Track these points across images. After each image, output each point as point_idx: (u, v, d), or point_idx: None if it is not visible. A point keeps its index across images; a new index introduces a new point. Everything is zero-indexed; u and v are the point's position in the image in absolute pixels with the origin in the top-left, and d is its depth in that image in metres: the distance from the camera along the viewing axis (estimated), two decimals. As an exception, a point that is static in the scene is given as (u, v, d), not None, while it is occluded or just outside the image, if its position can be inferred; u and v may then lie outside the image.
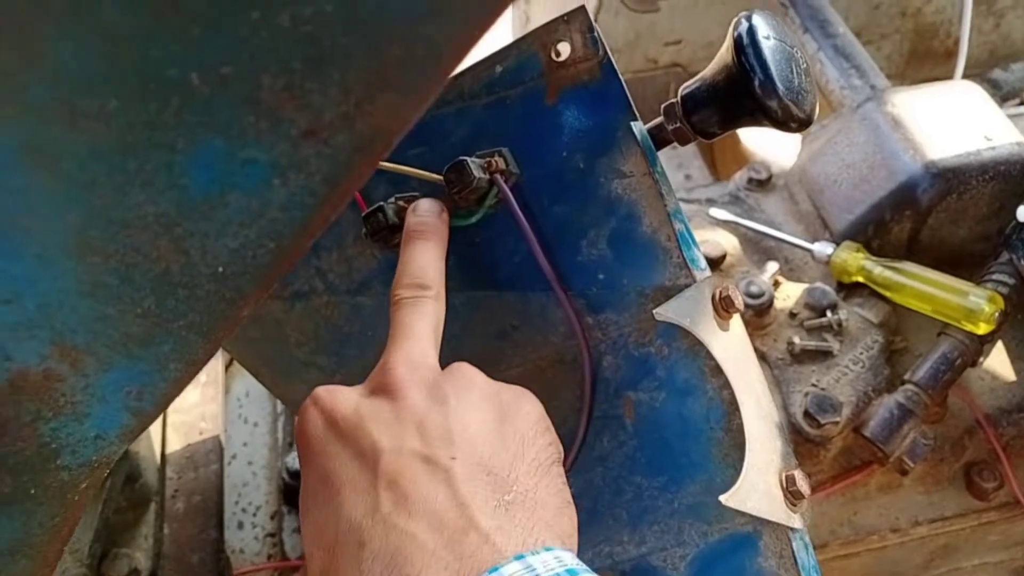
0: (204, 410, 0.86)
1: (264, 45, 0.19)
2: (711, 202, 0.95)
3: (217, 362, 0.92)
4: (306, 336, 0.74)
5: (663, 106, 0.55)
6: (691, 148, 1.39)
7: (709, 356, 0.52)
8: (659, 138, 0.56)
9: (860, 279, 0.81)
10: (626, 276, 0.56)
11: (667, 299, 0.53)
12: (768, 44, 0.50)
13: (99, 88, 0.19)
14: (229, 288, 0.24)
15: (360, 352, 0.72)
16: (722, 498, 0.46)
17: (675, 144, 0.56)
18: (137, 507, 0.78)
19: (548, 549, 0.33)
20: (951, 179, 0.79)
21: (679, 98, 0.54)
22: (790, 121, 0.50)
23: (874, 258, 0.80)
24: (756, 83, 0.49)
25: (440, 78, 0.21)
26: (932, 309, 0.77)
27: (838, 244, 0.83)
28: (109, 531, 0.75)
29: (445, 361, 0.62)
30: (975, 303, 0.73)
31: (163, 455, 0.83)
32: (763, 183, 0.95)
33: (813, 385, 0.75)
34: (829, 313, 0.78)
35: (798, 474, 0.48)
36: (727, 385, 0.51)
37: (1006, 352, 0.83)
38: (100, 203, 0.21)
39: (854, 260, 0.81)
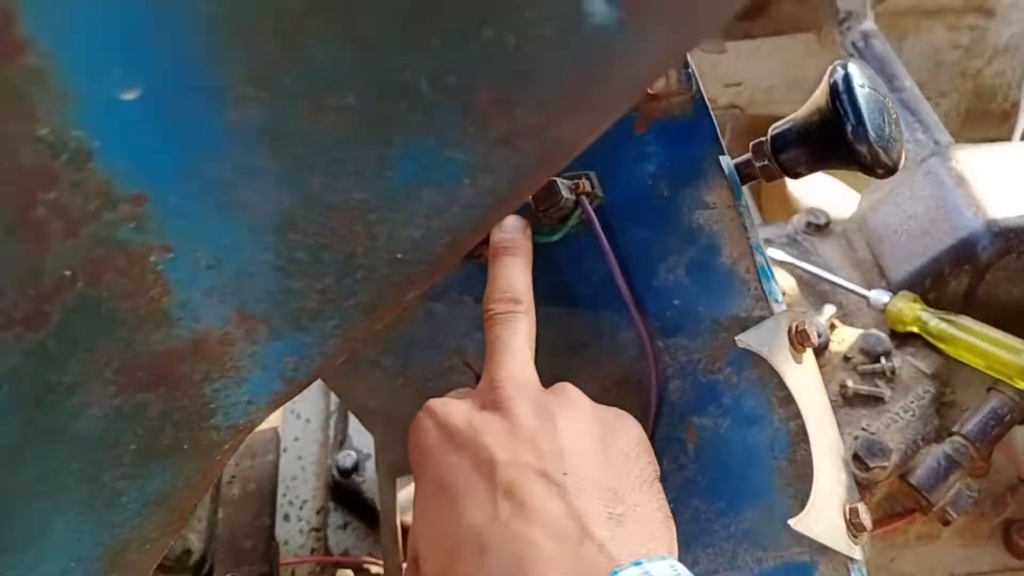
0: (262, 401, 0.89)
1: (488, 60, 0.21)
2: (768, 243, 0.97)
3: (277, 355, 0.95)
4: (375, 336, 0.76)
5: (752, 143, 0.57)
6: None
7: (779, 387, 0.54)
8: (744, 174, 0.58)
9: (915, 329, 0.83)
10: (702, 304, 0.58)
11: (741, 329, 0.55)
12: (863, 92, 0.52)
13: (343, 86, 0.21)
14: (401, 274, 0.27)
15: (426, 356, 0.74)
16: (791, 522, 0.47)
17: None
18: (193, 488, 0.81)
19: (663, 558, 0.35)
20: (1012, 238, 0.81)
21: (768, 137, 0.56)
22: (878, 167, 0.52)
23: (930, 310, 0.82)
24: (849, 128, 0.51)
25: (633, 98, 0.23)
26: (985, 364, 0.78)
27: (894, 293, 0.84)
28: (166, 509, 0.77)
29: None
30: (1029, 361, 0.74)
31: (221, 440, 0.85)
32: (821, 228, 0.97)
33: (863, 429, 0.76)
34: (883, 360, 0.80)
35: (861, 507, 0.49)
36: (794, 416, 0.53)
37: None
38: (315, 187, 0.23)
39: (910, 310, 0.82)
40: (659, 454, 0.60)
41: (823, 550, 0.50)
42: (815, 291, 0.90)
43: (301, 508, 0.87)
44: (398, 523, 0.79)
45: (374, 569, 0.83)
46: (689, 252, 0.58)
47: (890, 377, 0.79)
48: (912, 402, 0.78)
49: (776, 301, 0.55)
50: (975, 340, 0.78)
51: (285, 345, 0.29)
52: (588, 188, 0.60)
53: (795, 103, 0.59)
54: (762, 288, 0.55)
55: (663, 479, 0.60)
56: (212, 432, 0.31)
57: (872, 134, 0.52)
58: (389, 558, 0.77)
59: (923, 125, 0.99)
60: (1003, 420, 0.76)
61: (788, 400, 0.53)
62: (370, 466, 0.88)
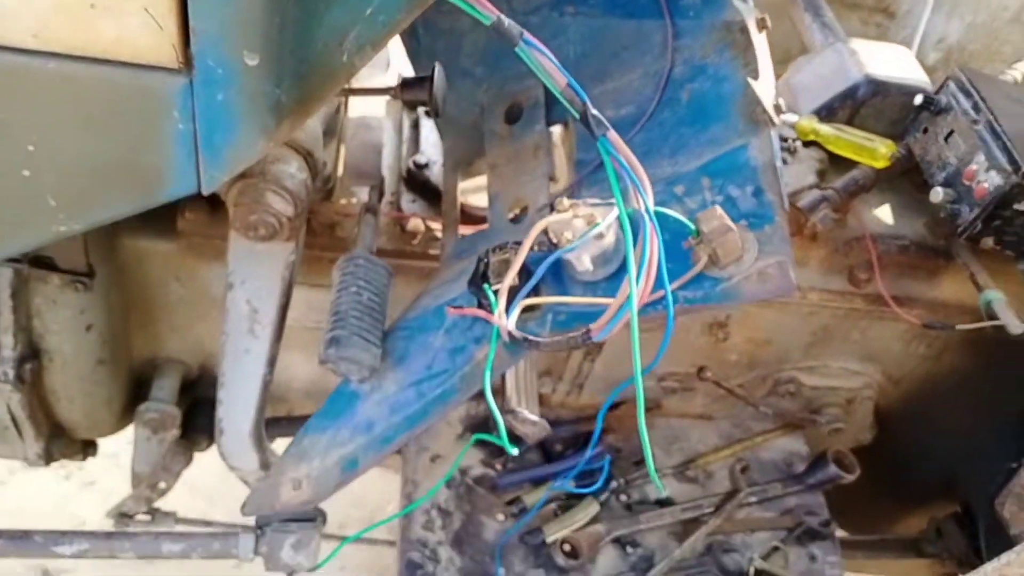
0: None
1: None
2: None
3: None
4: (476, 48, 1.14)
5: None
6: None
7: (745, 60, 0.94)
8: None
9: (812, 137, 1.26)
10: (705, 14, 0.99)
11: (727, 29, 0.96)
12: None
13: None
14: None
15: (510, 63, 1.12)
16: (751, 81, 0.87)
17: None
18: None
19: None
20: (879, 86, 1.26)
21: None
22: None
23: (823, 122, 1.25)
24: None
25: None
26: (853, 152, 1.22)
27: (802, 118, 1.28)
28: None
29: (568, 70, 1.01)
30: (876, 145, 1.19)
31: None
32: (757, 89, 1.41)
33: (772, 175, 1.18)
34: (788, 141, 1.22)
35: (781, 101, 0.90)
36: (751, 73, 0.94)
37: (889, 207, 1.28)
38: None
39: (809, 122, 1.26)
40: (663, 108, 1.00)
41: (755, 131, 0.90)
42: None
43: (382, 194, 1.22)
44: (457, 196, 1.16)
45: (434, 224, 1.19)
46: (704, -11, 1.00)
47: (792, 150, 1.22)
48: (804, 167, 1.21)
49: (750, 7, 0.96)
50: (848, 136, 1.22)
51: None
52: (645, -53, 1.02)
53: None
54: (745, 2, 0.96)
55: (663, 123, 1.00)
56: None
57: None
58: (447, 216, 1.14)
59: (835, 35, 1.45)
60: (858, 183, 1.20)
61: (750, 64, 0.94)
62: (435, 168, 1.25)
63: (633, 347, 0.75)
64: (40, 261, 0.91)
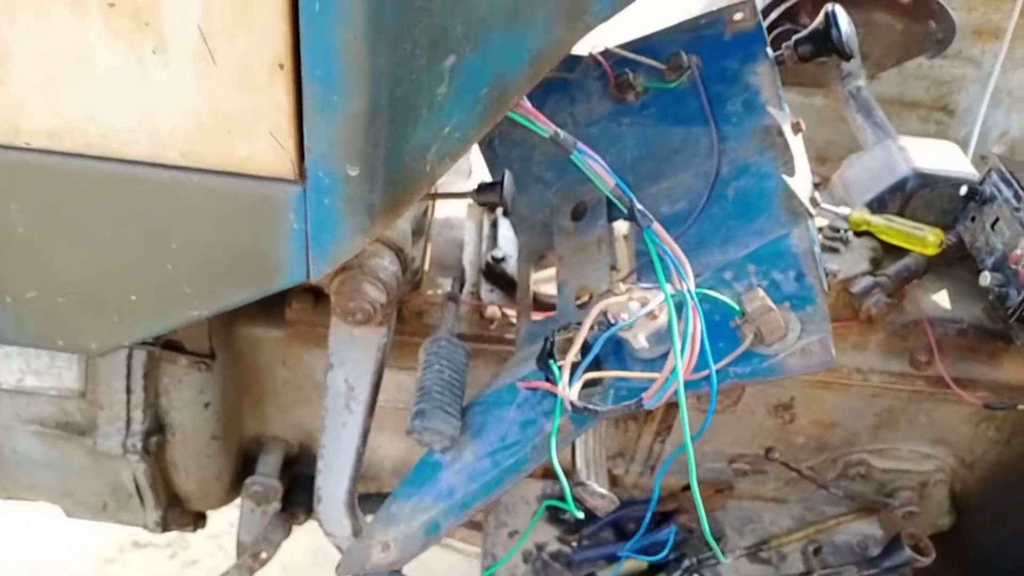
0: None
1: None
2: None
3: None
4: (545, 156, 1.28)
5: (783, 44, 1.11)
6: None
7: (782, 159, 1.05)
8: (778, 60, 1.12)
9: (865, 227, 1.34)
10: (747, 121, 1.10)
11: (766, 133, 1.07)
12: (842, 17, 1.06)
13: None
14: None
15: (575, 169, 1.25)
16: (786, 178, 0.97)
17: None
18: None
19: None
20: (927, 179, 1.34)
21: (792, 40, 1.10)
22: (844, 55, 1.06)
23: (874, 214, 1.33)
24: (834, 33, 1.06)
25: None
26: (903, 240, 1.29)
27: (854, 210, 1.36)
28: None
29: (626, 173, 1.13)
30: (925, 234, 1.26)
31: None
32: (817, 185, 1.50)
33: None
34: (841, 232, 1.31)
35: (817, 194, 0.99)
36: (788, 170, 1.04)
37: (947, 292, 1.34)
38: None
39: (861, 214, 1.34)
40: (711, 204, 1.11)
41: (795, 222, 1.00)
42: (806, 212, 1.42)
43: (463, 284, 1.35)
44: (530, 285, 1.27)
45: (509, 311, 1.31)
46: (744, 95, 1.12)
47: (844, 240, 1.30)
48: (857, 255, 1.29)
49: (786, 113, 1.06)
50: (898, 226, 1.29)
51: None
52: (695, 61, 1.15)
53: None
54: (781, 109, 1.07)
55: (712, 216, 1.10)
56: (585, 18, 0.82)
57: (844, 37, 1.06)
58: (521, 303, 1.26)
59: (885, 131, 1.54)
60: (911, 268, 1.27)
61: (787, 163, 1.04)
62: (511, 261, 1.38)
63: (681, 414, 0.84)
64: (170, 344, 1.06)
